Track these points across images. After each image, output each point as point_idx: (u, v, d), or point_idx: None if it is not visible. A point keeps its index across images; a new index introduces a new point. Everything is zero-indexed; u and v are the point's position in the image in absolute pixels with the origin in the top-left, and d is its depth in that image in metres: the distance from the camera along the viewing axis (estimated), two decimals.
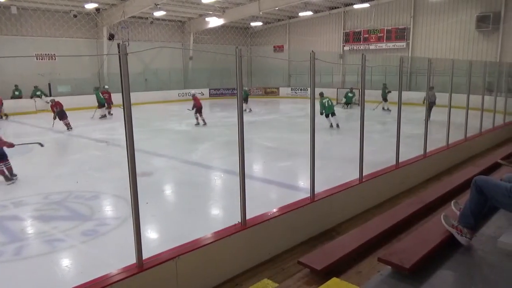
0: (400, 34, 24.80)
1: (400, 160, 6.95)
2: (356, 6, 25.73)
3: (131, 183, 3.36)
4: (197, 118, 15.80)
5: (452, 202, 3.94)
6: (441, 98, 10.40)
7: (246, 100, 20.04)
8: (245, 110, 19.82)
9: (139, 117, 16.91)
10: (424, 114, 8.42)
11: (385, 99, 19.63)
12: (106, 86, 19.72)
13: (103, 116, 18.57)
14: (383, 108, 19.65)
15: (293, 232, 4.88)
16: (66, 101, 21.35)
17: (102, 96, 18.68)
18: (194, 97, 16.09)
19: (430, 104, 14.48)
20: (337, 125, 14.66)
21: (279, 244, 4.70)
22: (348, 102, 22.06)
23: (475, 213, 3.40)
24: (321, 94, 14.72)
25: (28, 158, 11.01)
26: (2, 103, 18.94)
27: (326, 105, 14.46)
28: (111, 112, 18.87)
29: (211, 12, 25.89)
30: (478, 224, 3.52)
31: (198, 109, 15.77)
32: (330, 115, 14.61)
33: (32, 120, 18.19)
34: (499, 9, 20.78)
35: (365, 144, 5.94)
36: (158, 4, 21.02)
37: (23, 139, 13.79)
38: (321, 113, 14.37)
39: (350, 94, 22.15)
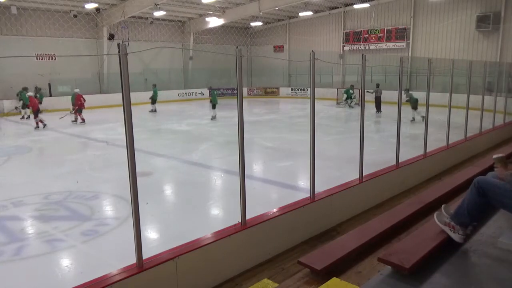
0: (400, 34, 24.80)
1: (400, 160, 6.95)
2: (356, 6, 25.73)
3: (131, 183, 3.36)
4: (76, 119, 16.14)
5: (443, 206, 3.83)
6: (442, 98, 10.39)
7: (154, 102, 20.55)
8: (152, 110, 20.47)
9: (139, 117, 16.96)
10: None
11: (414, 107, 16.00)
12: (77, 90, 18.06)
13: (26, 118, 18.52)
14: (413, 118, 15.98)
15: (293, 232, 4.88)
16: (65, 101, 21.48)
17: (27, 97, 17.89)
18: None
19: (377, 99, 18.84)
20: (215, 117, 17.66)
21: (279, 244, 4.70)
22: (348, 97, 22.35)
23: (472, 214, 3.39)
24: (210, 88, 18.96)
25: (28, 158, 11.02)
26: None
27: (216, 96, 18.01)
28: (81, 119, 16.91)
29: (211, 12, 25.89)
30: (472, 223, 3.50)
31: (78, 108, 16.33)
32: (214, 106, 17.75)
33: (32, 120, 18.16)
34: (499, 9, 20.78)
35: (365, 144, 5.94)
36: (158, 4, 21.02)
37: (24, 138, 13.83)
38: (211, 102, 17.92)
39: (351, 91, 22.47)
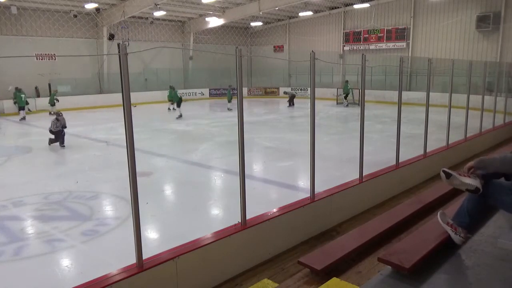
0: (400, 34, 24.80)
1: (400, 160, 6.95)
2: (356, 6, 25.74)
3: (131, 183, 3.36)
4: None
5: (439, 213, 3.78)
6: (442, 98, 10.39)
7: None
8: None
9: (139, 117, 16.96)
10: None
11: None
12: None
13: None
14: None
15: (293, 232, 4.88)
16: (66, 101, 21.50)
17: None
18: None
19: (292, 97, 23.80)
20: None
21: (279, 244, 4.70)
22: (347, 93, 22.71)
23: (472, 214, 3.38)
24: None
25: (28, 158, 11.02)
26: None
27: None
28: None
29: (211, 12, 25.90)
30: (472, 224, 3.50)
31: None
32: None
33: (32, 119, 18.20)
34: (499, 9, 20.79)
35: (364, 144, 5.94)
36: (158, 4, 21.02)
37: (23, 138, 13.83)
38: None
39: (348, 86, 22.86)
